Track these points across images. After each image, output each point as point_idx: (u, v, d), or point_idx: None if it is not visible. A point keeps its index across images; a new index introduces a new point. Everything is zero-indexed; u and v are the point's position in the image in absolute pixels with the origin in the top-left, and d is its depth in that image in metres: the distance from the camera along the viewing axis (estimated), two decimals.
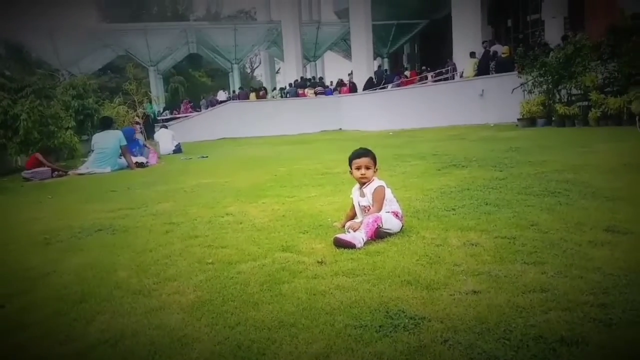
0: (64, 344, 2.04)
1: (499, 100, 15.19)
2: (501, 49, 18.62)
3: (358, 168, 3.57)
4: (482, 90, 16.58)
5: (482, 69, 18.11)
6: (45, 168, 9.20)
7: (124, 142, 9.78)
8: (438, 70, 21.92)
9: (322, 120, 22.62)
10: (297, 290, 2.44)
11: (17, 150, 10.46)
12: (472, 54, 18.90)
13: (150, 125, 18.11)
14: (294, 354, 1.80)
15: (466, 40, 19.96)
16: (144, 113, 18.22)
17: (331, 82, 28.25)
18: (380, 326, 1.97)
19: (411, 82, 22.59)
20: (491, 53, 18.58)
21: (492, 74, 17.37)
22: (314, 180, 6.43)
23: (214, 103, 26.95)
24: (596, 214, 3.52)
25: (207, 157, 11.79)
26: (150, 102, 20.09)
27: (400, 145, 10.58)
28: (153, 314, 2.27)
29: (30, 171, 9.06)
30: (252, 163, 9.60)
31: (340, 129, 22.17)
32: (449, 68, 21.28)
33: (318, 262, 2.88)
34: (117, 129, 10.70)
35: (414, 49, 35.31)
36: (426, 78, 22.12)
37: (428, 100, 19.00)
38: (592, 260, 2.60)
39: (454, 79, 20.41)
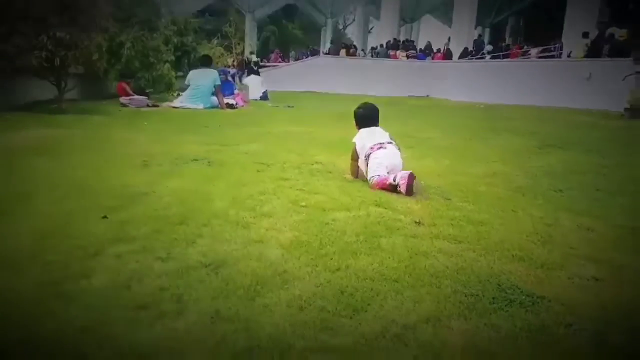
0: (165, 261, 2.05)
1: (607, 87, 14.00)
2: (618, 32, 17.04)
3: None
4: (590, 74, 15.34)
5: (593, 52, 16.70)
6: (142, 97, 9.56)
7: (218, 82, 9.94)
8: (544, 47, 20.45)
9: (410, 84, 21.92)
10: (396, 247, 2.33)
11: (117, 77, 10.89)
12: (585, 34, 17.44)
13: (254, 69, 18.08)
14: (401, 309, 1.71)
15: (580, 19, 18.44)
16: (241, 57, 18.44)
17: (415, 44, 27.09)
18: (493, 298, 1.83)
19: (513, 55, 21.29)
20: (606, 35, 17.07)
21: (604, 57, 15.98)
22: (401, 142, 6.21)
23: (313, 54, 26.58)
24: None
25: (293, 107, 11.79)
26: (243, 49, 20.30)
27: (492, 119, 10.03)
28: (253, 245, 2.24)
29: (128, 98, 9.44)
30: (336, 118, 9.45)
31: (428, 95, 21.43)
32: (557, 46, 19.81)
33: (415, 222, 2.75)
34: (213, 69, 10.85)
35: (519, 22, 33.18)
36: (529, 53, 20.72)
37: (527, 77, 17.85)
38: None
39: (560, 57, 19.01)
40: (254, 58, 22.16)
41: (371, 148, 3.77)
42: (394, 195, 3.36)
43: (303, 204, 3.00)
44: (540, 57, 19.73)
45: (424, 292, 1.84)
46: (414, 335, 1.53)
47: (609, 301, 1.85)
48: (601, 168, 4.77)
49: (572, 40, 18.40)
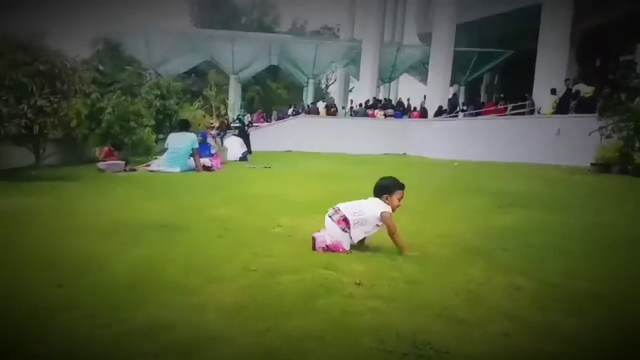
0: (106, 328, 2.22)
1: (576, 142, 14.57)
2: (585, 89, 17.91)
3: (401, 198, 3.96)
4: (559, 130, 15.98)
5: (562, 108, 17.50)
6: (120, 161, 9.79)
7: (196, 145, 10.27)
8: (516, 104, 21.35)
9: (387, 142, 22.59)
10: (330, 307, 2.52)
11: (98, 142, 11.17)
12: (553, 91, 18.31)
13: (244, 132, 18.39)
14: None
15: (549, 76, 19.34)
16: (224, 118, 18.95)
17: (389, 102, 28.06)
18: (404, 354, 2.01)
19: (488, 112, 22.15)
20: (573, 92, 17.93)
21: (572, 113, 16.73)
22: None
23: (298, 113, 27.23)
24: None
25: (270, 167, 12.10)
26: (226, 110, 20.85)
27: (463, 178, 10.39)
28: (193, 311, 2.42)
29: (105, 163, 9.66)
30: (312, 177, 9.77)
31: (405, 153, 22.05)
32: (527, 103, 20.68)
33: (356, 283, 2.95)
34: (192, 132, 11.19)
35: (494, 79, 34.59)
36: (505, 110, 21.58)
37: (500, 134, 18.52)
38: (638, 319, 2.51)
39: (532, 114, 19.81)
40: (243, 116, 22.97)
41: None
42: (343, 258, 3.57)
43: (254, 268, 3.20)
44: (512, 114, 20.52)
45: (343, 349, 2.03)
46: None
47: (511, 354, 2.05)
48: (552, 226, 5.03)
49: (542, 97, 19.24)
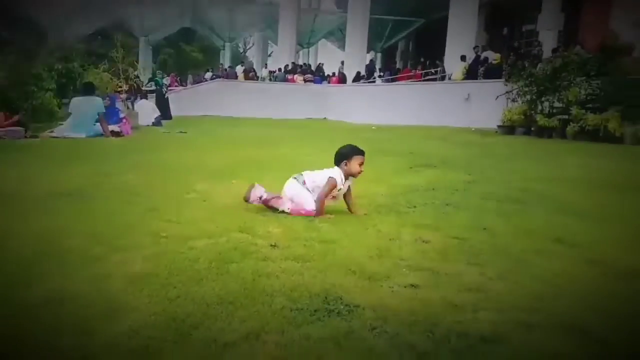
0: (3, 304, 2.06)
1: (484, 106, 15.32)
2: (492, 56, 18.78)
3: (361, 163, 3.84)
4: (468, 94, 16.71)
5: (471, 74, 18.27)
6: (19, 128, 9.04)
7: (102, 110, 9.65)
8: (428, 70, 22.04)
9: (307, 107, 22.61)
10: (243, 270, 2.49)
11: None
12: (463, 58, 19.03)
13: (162, 97, 17.50)
14: (226, 330, 1.85)
15: (459, 44, 20.06)
16: (133, 82, 18.00)
17: (311, 68, 28.04)
18: (315, 310, 2.03)
19: (403, 78, 22.70)
20: (482, 58, 18.74)
21: (480, 79, 17.53)
22: (292, 166, 6.43)
23: (230, 76, 26.40)
24: (549, 225, 3.63)
25: (185, 132, 11.71)
26: (135, 71, 19.70)
27: (380, 140, 10.63)
28: (97, 280, 2.30)
29: (2, 130, 8.89)
30: (230, 143, 9.59)
31: (325, 118, 22.19)
32: (439, 69, 21.41)
33: (271, 245, 2.94)
34: (98, 95, 10.51)
35: (408, 46, 35.41)
36: (420, 76, 22.19)
37: (414, 99, 19.09)
38: (534, 267, 2.69)
39: (443, 80, 20.54)
40: (162, 79, 22.14)
41: None
42: (259, 220, 3.54)
43: (164, 234, 3.08)
44: (424, 80, 21.18)
45: (254, 311, 2.01)
46: (229, 352, 1.69)
47: (416, 305, 2.13)
48: (460, 184, 5.26)
49: (453, 64, 19.97)
